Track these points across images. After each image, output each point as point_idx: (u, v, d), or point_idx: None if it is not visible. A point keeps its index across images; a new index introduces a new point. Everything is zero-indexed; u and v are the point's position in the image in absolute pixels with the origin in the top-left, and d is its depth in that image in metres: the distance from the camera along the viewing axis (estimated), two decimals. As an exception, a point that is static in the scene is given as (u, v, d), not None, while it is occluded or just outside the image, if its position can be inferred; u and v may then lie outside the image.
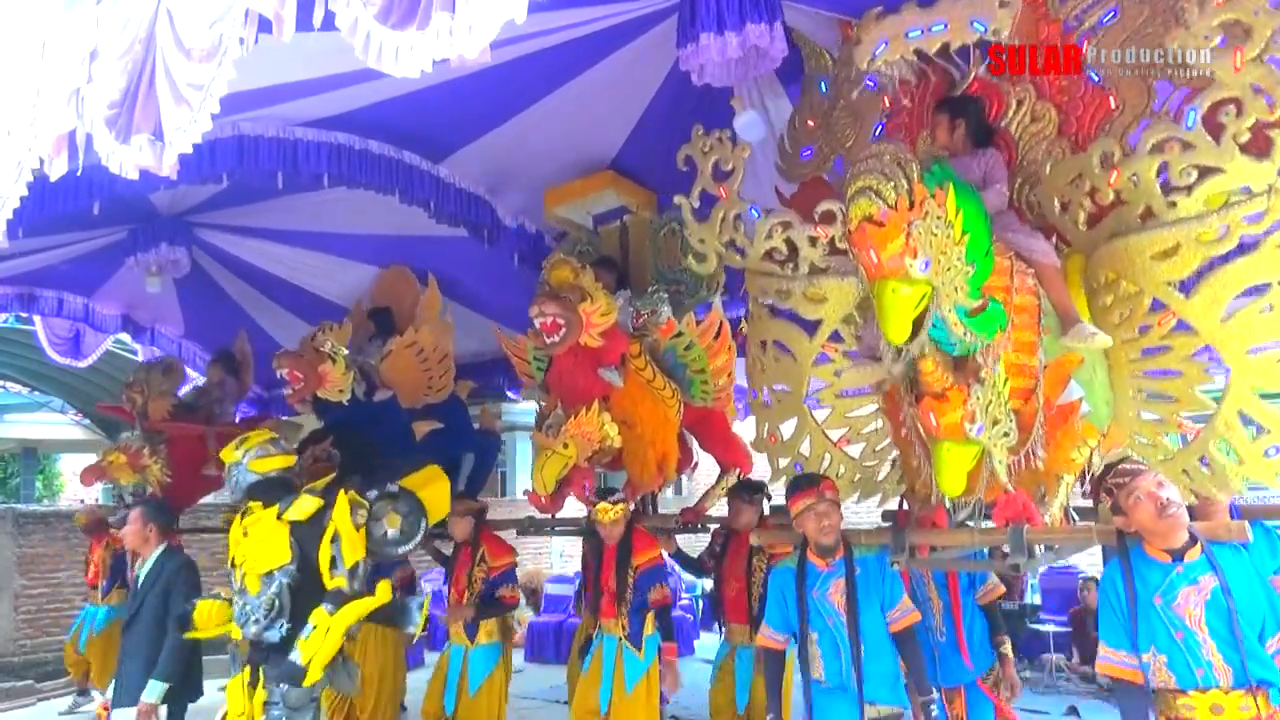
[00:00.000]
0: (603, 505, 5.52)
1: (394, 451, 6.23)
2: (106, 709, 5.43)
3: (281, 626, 4.47)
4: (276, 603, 4.50)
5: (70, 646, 9.15)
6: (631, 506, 5.80)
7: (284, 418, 8.30)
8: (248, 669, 4.53)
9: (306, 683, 4.39)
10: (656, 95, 5.39)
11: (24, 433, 18.74)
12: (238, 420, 8.66)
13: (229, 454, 4.83)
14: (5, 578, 10.64)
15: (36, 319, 8.92)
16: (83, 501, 10.29)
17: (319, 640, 4.41)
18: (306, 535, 4.59)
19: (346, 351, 6.27)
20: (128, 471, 7.62)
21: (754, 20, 3.90)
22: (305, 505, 4.64)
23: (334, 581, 4.53)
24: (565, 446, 5.21)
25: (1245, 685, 3.12)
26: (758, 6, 3.91)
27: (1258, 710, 3.10)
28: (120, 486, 8.47)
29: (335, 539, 4.58)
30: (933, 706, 4.07)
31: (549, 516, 6.29)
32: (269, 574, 4.52)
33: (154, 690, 4.87)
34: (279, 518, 4.62)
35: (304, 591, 4.55)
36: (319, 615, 4.45)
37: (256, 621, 4.48)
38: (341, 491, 4.70)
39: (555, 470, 5.23)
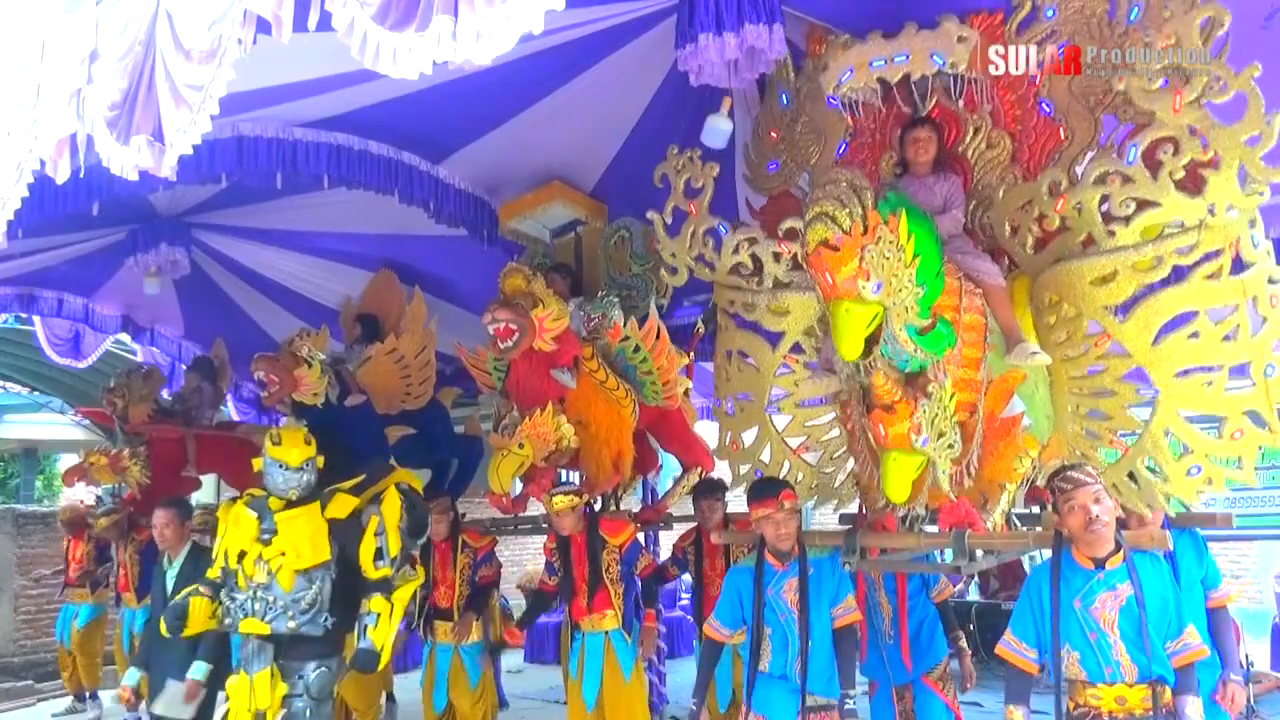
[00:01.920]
0: (555, 495, 5.58)
1: (364, 455, 6.39)
2: (128, 690, 5.49)
3: (326, 620, 4.71)
4: (320, 598, 4.71)
5: (62, 648, 9.24)
6: (592, 501, 5.94)
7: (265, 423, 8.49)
8: (274, 664, 4.67)
9: (381, 665, 4.74)
10: (656, 95, 5.45)
11: (24, 433, 18.67)
12: (226, 422, 8.85)
13: (301, 449, 4.94)
14: (5, 578, 10.68)
15: (36, 319, 9.04)
16: (82, 503, 10.36)
17: (386, 626, 4.73)
18: (345, 532, 4.84)
19: (323, 357, 6.44)
20: (108, 473, 7.75)
21: (752, 21, 3.97)
22: (345, 504, 4.91)
23: (380, 572, 4.83)
24: (520, 446, 5.32)
25: (1148, 679, 3.42)
26: (756, 7, 3.98)
27: (1156, 701, 3.40)
28: (105, 488, 8.64)
29: (380, 532, 4.86)
30: (850, 700, 4.21)
31: (511, 516, 6.53)
32: (307, 570, 4.70)
33: (200, 669, 4.96)
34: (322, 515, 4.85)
35: (341, 585, 4.81)
36: (379, 603, 4.76)
37: (293, 616, 4.64)
38: (394, 490, 5.09)
39: (510, 469, 5.35)
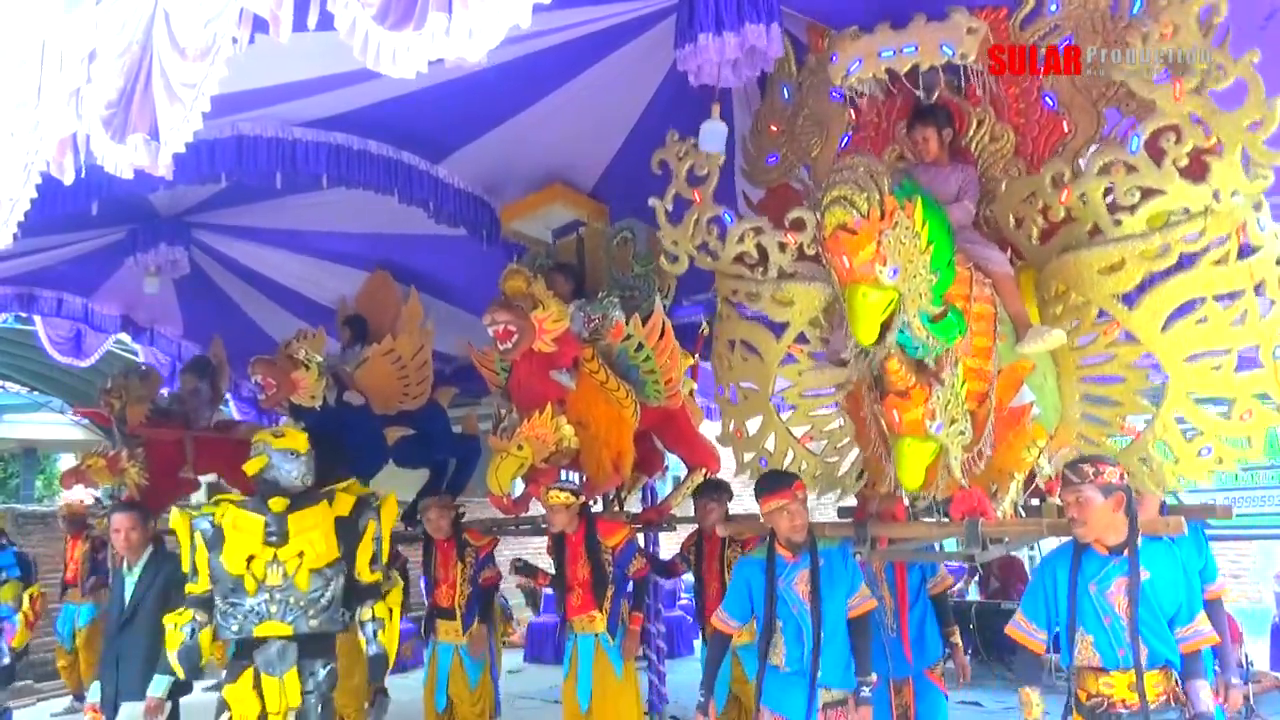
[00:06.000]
0: (553, 490, 5.58)
1: (363, 456, 6.37)
2: (95, 710, 5.41)
3: (344, 616, 4.72)
4: (336, 594, 4.67)
5: (60, 648, 9.30)
6: (590, 502, 5.98)
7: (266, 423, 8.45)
8: (295, 666, 4.55)
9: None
10: (656, 95, 5.44)
11: (24, 433, 18.65)
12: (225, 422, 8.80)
13: (303, 437, 4.94)
14: (5, 578, 10.69)
15: (36, 319, 8.99)
16: (81, 502, 10.33)
17: (393, 630, 4.82)
18: (348, 531, 4.76)
19: (320, 359, 6.42)
20: (106, 475, 7.70)
21: (753, 20, 3.97)
22: (345, 502, 4.83)
23: (373, 576, 4.80)
24: (520, 448, 5.29)
25: (1159, 665, 3.53)
26: (756, 7, 3.98)
27: (1166, 686, 3.55)
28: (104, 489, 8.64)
29: (377, 537, 4.82)
30: (868, 688, 4.27)
31: (512, 516, 6.50)
32: (322, 569, 4.62)
33: (160, 684, 4.83)
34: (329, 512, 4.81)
35: (346, 583, 4.78)
36: (381, 609, 4.80)
37: (314, 615, 4.57)
38: (392, 495, 5.06)
39: (509, 472, 5.31)
